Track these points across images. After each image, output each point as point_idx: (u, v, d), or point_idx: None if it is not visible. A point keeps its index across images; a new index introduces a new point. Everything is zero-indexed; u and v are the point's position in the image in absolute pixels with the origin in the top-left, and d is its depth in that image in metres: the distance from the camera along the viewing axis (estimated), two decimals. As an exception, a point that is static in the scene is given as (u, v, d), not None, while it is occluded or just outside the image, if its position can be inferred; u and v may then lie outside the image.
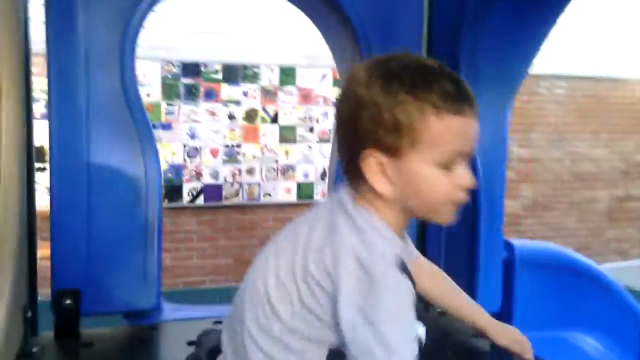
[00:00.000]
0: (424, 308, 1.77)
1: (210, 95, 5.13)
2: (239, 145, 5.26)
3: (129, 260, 1.81)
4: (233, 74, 5.20)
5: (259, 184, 5.35)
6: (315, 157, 5.46)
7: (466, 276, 2.05)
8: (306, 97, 5.41)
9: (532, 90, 6.02)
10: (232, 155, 5.25)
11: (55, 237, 1.73)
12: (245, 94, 5.24)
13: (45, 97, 1.80)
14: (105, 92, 1.83)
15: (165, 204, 5.00)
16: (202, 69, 5.10)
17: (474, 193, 2.00)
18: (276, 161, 5.38)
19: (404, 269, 0.93)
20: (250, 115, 5.27)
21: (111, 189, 1.80)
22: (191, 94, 5.07)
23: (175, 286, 5.09)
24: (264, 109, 5.31)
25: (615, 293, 2.30)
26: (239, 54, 5.19)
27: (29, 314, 1.65)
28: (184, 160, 5.11)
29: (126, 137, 1.87)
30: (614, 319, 2.23)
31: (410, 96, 0.92)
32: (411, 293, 0.93)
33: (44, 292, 1.80)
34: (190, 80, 5.07)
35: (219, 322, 1.88)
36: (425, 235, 2.25)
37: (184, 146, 5.10)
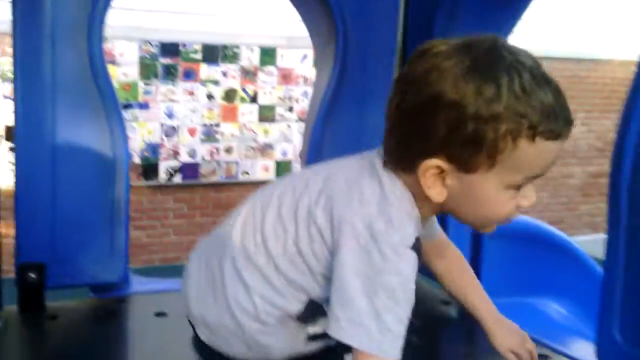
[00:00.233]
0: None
1: (189, 75, 5.10)
2: (217, 125, 5.25)
3: (95, 234, 1.81)
4: (212, 54, 5.16)
5: (237, 163, 5.35)
6: (294, 135, 5.47)
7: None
8: (286, 77, 5.40)
9: (511, 71, 6.04)
10: (210, 135, 5.24)
11: (20, 211, 1.73)
12: (224, 74, 5.21)
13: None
14: (72, 69, 1.81)
15: (142, 182, 5.00)
16: (181, 49, 5.06)
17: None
18: (255, 140, 5.38)
19: (416, 248, 0.89)
20: (229, 95, 5.25)
21: (77, 165, 1.80)
22: (169, 74, 5.04)
23: (151, 262, 5.12)
24: (244, 89, 5.29)
25: (582, 262, 2.36)
26: (219, 34, 5.15)
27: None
28: (161, 139, 5.09)
29: (93, 114, 1.86)
30: (579, 286, 2.29)
31: (509, 111, 0.78)
32: (415, 272, 0.89)
33: (9, 269, 1.80)
34: (168, 60, 5.04)
35: (188, 295, 1.90)
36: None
37: (162, 125, 5.07)
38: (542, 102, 0.79)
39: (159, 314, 1.73)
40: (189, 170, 5.22)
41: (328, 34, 2.18)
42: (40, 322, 1.68)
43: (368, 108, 2.25)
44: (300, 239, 0.94)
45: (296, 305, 1.00)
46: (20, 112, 1.76)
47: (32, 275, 1.69)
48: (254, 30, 5.23)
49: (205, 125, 5.22)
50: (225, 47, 5.19)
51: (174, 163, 5.17)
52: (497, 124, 0.79)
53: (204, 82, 5.16)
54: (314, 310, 1.01)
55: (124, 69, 4.87)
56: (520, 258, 2.32)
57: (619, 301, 1.32)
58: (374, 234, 0.86)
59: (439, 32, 2.09)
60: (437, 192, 0.87)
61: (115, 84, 4.72)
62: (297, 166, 5.45)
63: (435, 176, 0.86)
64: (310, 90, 5.41)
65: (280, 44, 5.34)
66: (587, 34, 6.21)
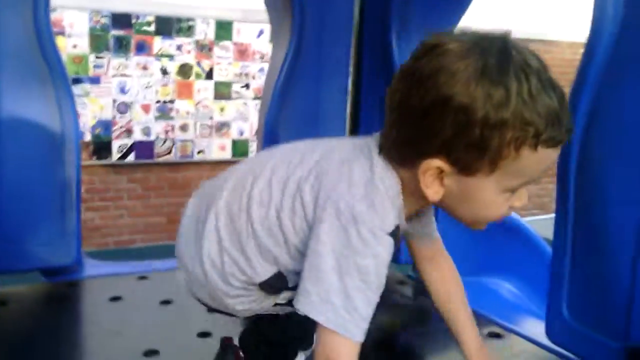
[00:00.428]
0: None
1: (142, 48, 4.95)
2: (172, 101, 5.13)
3: (45, 216, 1.75)
4: (166, 26, 5.01)
5: (192, 141, 5.25)
6: (250, 114, 5.39)
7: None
8: (242, 52, 5.30)
9: (466, 51, 6.12)
10: (164, 112, 5.11)
11: (-38, 192, 1.65)
12: (179, 48, 5.08)
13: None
14: (17, 40, 1.73)
15: (94, 161, 4.86)
16: (134, 20, 4.89)
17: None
18: (211, 118, 5.28)
19: (394, 235, 0.90)
20: (184, 71, 5.12)
21: (24, 142, 1.73)
22: (122, 46, 4.87)
23: (106, 246, 5.00)
24: (199, 64, 5.17)
25: (532, 242, 2.41)
26: (173, 5, 5.00)
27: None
28: (114, 116, 4.94)
29: (41, 89, 1.79)
30: (530, 265, 2.34)
31: (515, 118, 0.78)
32: (390, 258, 0.90)
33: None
34: (120, 32, 4.86)
35: (144, 278, 1.87)
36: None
37: (114, 101, 4.92)
38: (547, 107, 0.80)
39: (114, 298, 1.69)
40: (143, 148, 5.09)
41: (284, 9, 2.14)
42: (-13, 308, 1.61)
43: (324, 85, 2.25)
44: (283, 209, 0.96)
45: (263, 275, 1.02)
46: (-40, 86, 1.67)
47: (-22, 259, 1.63)
48: (210, 3, 5.10)
49: (159, 101, 5.09)
50: (179, 19, 5.05)
51: (128, 141, 5.03)
52: (503, 130, 0.79)
53: (158, 56, 5.01)
54: (279, 282, 1.03)
55: (73, 41, 4.67)
56: (472, 238, 2.35)
57: (566, 280, 1.36)
58: (355, 215, 0.87)
59: (395, 8, 2.08)
60: (434, 192, 0.87)
61: (64, 57, 4.58)
62: (254, 145, 5.39)
63: (434, 176, 0.86)
64: (266, 67, 5.33)
65: (236, 17, 5.23)
66: (537, 14, 6.32)
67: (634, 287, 1.18)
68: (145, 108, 5.05)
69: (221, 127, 5.34)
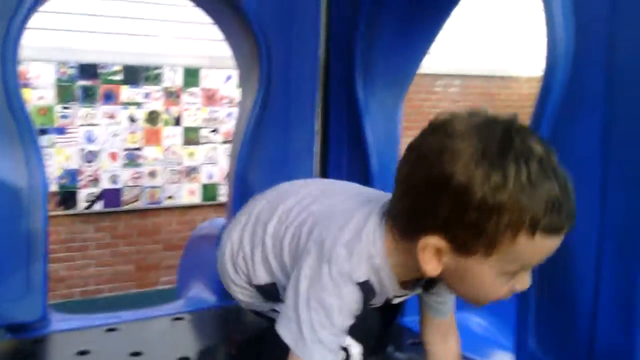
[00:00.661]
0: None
1: (110, 97, 4.95)
2: (139, 149, 5.10)
3: (8, 272, 1.70)
4: (134, 75, 5.03)
5: (161, 187, 5.21)
6: (219, 158, 5.39)
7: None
8: (210, 98, 5.34)
9: (428, 89, 6.27)
10: (132, 159, 5.08)
11: None
12: (147, 95, 5.09)
13: None
14: (-17, 94, 1.71)
15: (60, 211, 4.77)
16: (101, 70, 4.90)
17: (369, 185, 2.07)
18: (179, 163, 5.27)
19: (364, 290, 0.95)
20: (153, 118, 5.12)
21: (-12, 196, 1.69)
22: (88, 96, 4.86)
23: (71, 296, 4.86)
24: (167, 111, 5.18)
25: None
26: (140, 54, 5.03)
27: None
28: (80, 165, 4.89)
29: (7, 142, 1.76)
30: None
31: (513, 202, 0.78)
32: (356, 308, 0.96)
33: None
34: (87, 82, 4.86)
35: (112, 330, 1.82)
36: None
37: (81, 150, 4.88)
38: (547, 194, 0.80)
39: (82, 353, 1.64)
40: (111, 196, 5.03)
41: (251, 56, 2.18)
42: (-51, 369, 1.55)
43: (292, 131, 2.28)
44: (287, 232, 1.09)
45: (260, 280, 1.18)
46: None
47: (-61, 318, 1.57)
48: (177, 51, 5.15)
49: (127, 149, 5.06)
50: (147, 68, 5.07)
51: (95, 190, 4.97)
52: (500, 214, 0.79)
53: (125, 105, 5.01)
54: (273, 292, 1.17)
55: (39, 92, 4.65)
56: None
57: (532, 312, 1.37)
58: (332, 256, 0.94)
59: (359, 57, 2.14)
60: (432, 268, 0.88)
61: (30, 109, 4.54)
62: (223, 188, 5.37)
63: (432, 253, 0.87)
64: (234, 111, 5.37)
65: (203, 64, 5.28)
66: (496, 52, 6.54)
67: (595, 317, 1.20)
68: (113, 156, 5.01)
69: (190, 172, 5.32)
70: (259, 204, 1.23)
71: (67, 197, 4.84)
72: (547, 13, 1.28)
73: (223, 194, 5.37)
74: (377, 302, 1.04)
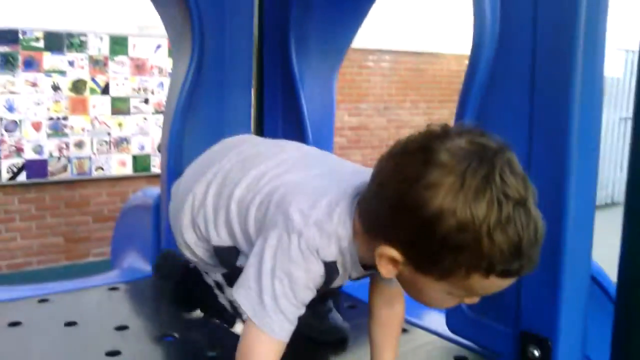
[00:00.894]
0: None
1: (31, 64, 4.71)
2: (65, 118, 4.91)
3: None
4: (56, 42, 4.80)
5: (89, 158, 5.05)
6: (151, 128, 5.27)
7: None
8: (140, 67, 5.18)
9: (361, 64, 6.35)
10: (58, 129, 4.88)
11: None
12: (71, 63, 4.88)
13: None
14: None
15: (-19, 183, 4.55)
16: (21, 36, 4.65)
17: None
18: (109, 134, 5.11)
19: (329, 268, 0.96)
20: (78, 87, 4.93)
21: None
22: (8, 63, 4.61)
23: (-2, 269, 4.69)
24: (93, 80, 4.99)
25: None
26: (63, 20, 4.81)
27: None
28: (1, 134, 4.65)
29: None
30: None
31: (474, 245, 0.79)
32: (318, 285, 0.97)
33: None
34: (6, 48, 4.60)
35: (45, 301, 1.79)
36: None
37: (1, 119, 4.64)
38: (510, 242, 0.79)
39: (13, 324, 1.61)
40: (36, 167, 4.82)
41: (183, 25, 2.14)
42: None
43: (227, 99, 2.26)
44: (255, 200, 1.06)
45: (219, 242, 1.16)
46: None
47: None
48: (102, 17, 4.95)
49: (51, 118, 4.85)
50: (70, 34, 4.86)
51: (18, 160, 4.75)
52: (459, 253, 0.80)
53: (48, 73, 4.79)
54: (230, 256, 1.16)
55: (-46, 58, 4.38)
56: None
57: None
58: (302, 231, 0.94)
59: (293, 28, 2.15)
60: (387, 272, 0.91)
61: (-56, 74, 4.27)
62: (155, 159, 5.26)
63: (389, 261, 0.89)
64: (165, 81, 5.25)
65: (131, 32, 5.11)
66: (426, 30, 6.69)
67: (520, 280, 1.29)
68: (36, 126, 4.80)
69: (120, 143, 5.18)
70: (230, 160, 1.18)
71: (-13, 167, 4.61)
72: None
73: (155, 165, 5.27)
74: (337, 284, 1.05)
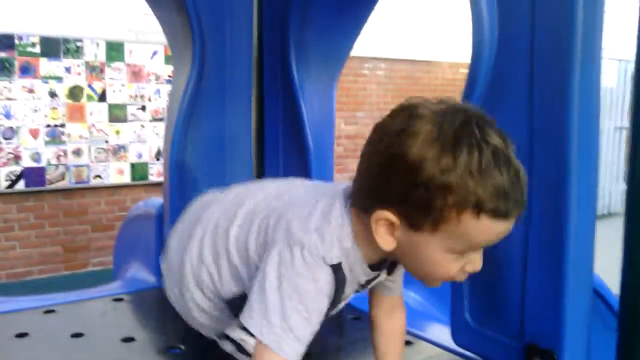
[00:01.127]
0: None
1: (27, 70, 4.71)
2: (62, 125, 4.91)
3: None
4: (53, 48, 4.81)
5: (87, 166, 5.05)
6: (148, 136, 5.27)
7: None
8: (136, 74, 5.19)
9: (357, 72, 6.38)
10: (55, 136, 4.88)
11: None
12: (68, 69, 4.88)
13: None
14: None
15: (-21, 190, 4.54)
16: (17, 41, 4.65)
17: (306, 166, 2.11)
18: (106, 141, 5.11)
19: (336, 271, 0.95)
20: (75, 93, 4.93)
21: None
22: (5, 68, 4.61)
23: (-2, 279, 4.68)
24: (90, 86, 4.99)
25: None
26: (59, 26, 4.81)
27: None
28: (-1, 142, 4.66)
29: None
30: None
31: (459, 182, 0.82)
32: (330, 292, 0.96)
33: None
34: (2, 53, 4.60)
35: (51, 312, 1.80)
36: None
37: (-2, 126, 4.65)
38: (495, 182, 0.83)
39: (21, 335, 1.61)
40: (34, 175, 4.81)
41: (183, 35, 2.16)
42: None
43: (228, 108, 2.28)
44: (251, 232, 1.05)
45: (230, 293, 1.11)
46: None
47: None
48: (97, 23, 4.95)
49: (49, 126, 4.85)
50: (66, 40, 4.86)
51: (16, 168, 4.75)
52: (446, 194, 0.83)
53: (45, 79, 4.79)
54: (242, 305, 1.07)
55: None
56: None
57: (467, 287, 1.45)
58: (303, 241, 0.94)
59: (291, 29, 2.16)
60: (386, 242, 0.92)
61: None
62: (153, 167, 5.27)
63: (386, 227, 0.91)
64: (162, 88, 5.25)
65: (128, 39, 5.11)
66: (421, 38, 6.72)
67: (524, 291, 1.30)
68: (34, 133, 4.80)
69: (118, 151, 5.18)
70: (213, 213, 1.15)
71: (-15, 175, 4.61)
72: (472, 3, 1.34)
73: (153, 173, 5.27)
74: (349, 291, 1.04)
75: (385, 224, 0.91)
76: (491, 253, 1.37)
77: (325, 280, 0.94)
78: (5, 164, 4.68)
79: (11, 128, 4.69)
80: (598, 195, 1.28)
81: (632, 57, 1.28)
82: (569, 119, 1.18)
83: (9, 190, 4.72)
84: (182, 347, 1.57)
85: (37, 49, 4.74)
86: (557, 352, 1.24)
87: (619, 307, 1.28)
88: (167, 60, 5.23)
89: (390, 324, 1.23)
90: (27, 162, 4.78)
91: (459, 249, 0.89)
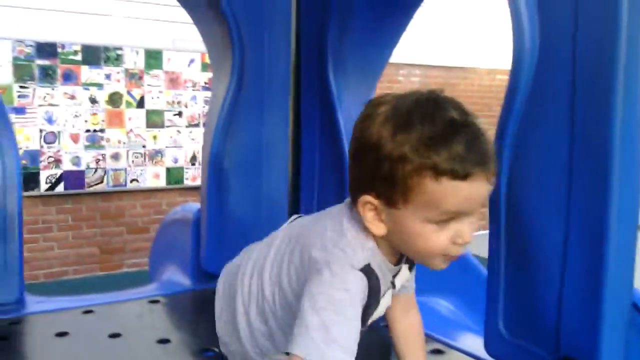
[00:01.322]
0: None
1: (69, 77, 4.84)
2: (102, 130, 5.03)
3: (-14, 253, 1.70)
4: (94, 55, 4.93)
5: (125, 170, 5.16)
6: (184, 141, 5.37)
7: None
8: (174, 81, 5.29)
9: (391, 78, 6.36)
10: (95, 141, 5.01)
11: None
12: (108, 76, 5.00)
13: None
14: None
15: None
16: (60, 49, 4.79)
17: (342, 176, 2.12)
18: (143, 146, 5.21)
19: (366, 272, 0.97)
20: (114, 99, 5.05)
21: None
22: (47, 75, 4.75)
23: (36, 278, 4.78)
24: (129, 93, 5.11)
25: (464, 260, 2.53)
26: (100, 35, 4.94)
27: None
28: (41, 146, 4.79)
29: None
30: (463, 282, 2.46)
31: (413, 151, 0.87)
32: (364, 295, 0.97)
33: None
34: (46, 61, 4.74)
35: (89, 312, 1.84)
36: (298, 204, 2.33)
37: (41, 131, 4.78)
38: (449, 146, 0.86)
39: (60, 334, 1.66)
40: (73, 178, 4.94)
41: (223, 45, 2.20)
42: None
43: (266, 117, 2.31)
44: (282, 280, 1.06)
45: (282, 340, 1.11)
46: None
47: None
48: (137, 32, 5.07)
49: (89, 131, 4.98)
50: (107, 48, 4.99)
51: (56, 171, 4.88)
52: (404, 164, 0.88)
53: (86, 86, 4.92)
54: None
55: (-4, 71, 4.52)
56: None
57: (501, 297, 1.44)
58: (328, 259, 0.96)
59: (329, 40, 2.18)
60: (376, 227, 0.96)
61: (-10, 88, 4.42)
62: (189, 172, 5.35)
63: (372, 212, 0.95)
64: (198, 94, 5.35)
65: (165, 46, 5.22)
66: (457, 44, 6.67)
67: (561, 303, 1.28)
68: (74, 137, 4.93)
69: (154, 155, 5.28)
70: (244, 283, 1.16)
71: (28, 178, 4.73)
72: (513, 11, 1.33)
73: (188, 178, 5.36)
74: (383, 289, 1.05)
75: (371, 209, 0.94)
76: (528, 263, 1.37)
77: (356, 285, 0.95)
78: (46, 167, 4.82)
79: (53, 133, 4.82)
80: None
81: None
82: (611, 128, 1.16)
83: (49, 193, 4.85)
84: (216, 349, 1.59)
85: (79, 57, 4.87)
86: (594, 366, 1.22)
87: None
88: (204, 67, 5.32)
89: (406, 323, 1.25)
90: (67, 166, 4.90)
91: (435, 218, 0.91)
